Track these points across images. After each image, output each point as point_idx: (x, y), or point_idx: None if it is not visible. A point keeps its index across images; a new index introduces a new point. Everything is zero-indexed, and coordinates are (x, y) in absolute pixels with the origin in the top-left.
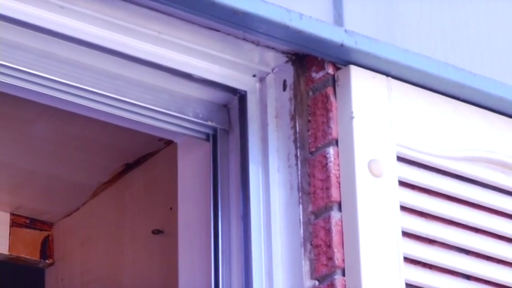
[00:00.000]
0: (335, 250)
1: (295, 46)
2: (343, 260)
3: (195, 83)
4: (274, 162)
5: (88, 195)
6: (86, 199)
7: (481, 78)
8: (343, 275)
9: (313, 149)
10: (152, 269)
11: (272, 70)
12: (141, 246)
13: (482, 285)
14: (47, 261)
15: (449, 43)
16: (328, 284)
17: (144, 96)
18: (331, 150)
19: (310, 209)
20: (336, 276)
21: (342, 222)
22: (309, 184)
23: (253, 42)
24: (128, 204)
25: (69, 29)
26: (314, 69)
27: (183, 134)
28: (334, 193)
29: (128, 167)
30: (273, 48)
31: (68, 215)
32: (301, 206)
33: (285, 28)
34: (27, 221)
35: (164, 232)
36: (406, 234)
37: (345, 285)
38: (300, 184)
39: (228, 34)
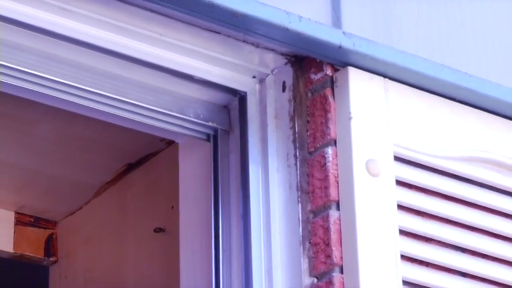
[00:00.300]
0: (333, 248)
1: (294, 48)
2: (341, 258)
3: (196, 84)
4: (273, 162)
5: (91, 194)
6: (89, 198)
7: (476, 79)
8: (341, 272)
9: (312, 149)
10: (154, 267)
11: (272, 71)
12: (143, 244)
13: (478, 282)
14: (50, 259)
15: (446, 45)
16: (326, 282)
17: (146, 97)
18: (329, 150)
19: (309, 207)
20: (334, 274)
21: (340, 220)
22: (308, 183)
23: (253, 44)
24: (130, 203)
25: (71, 30)
26: (313, 71)
27: (184, 135)
28: (333, 192)
29: (130, 167)
30: (273, 50)
31: (71, 214)
32: (300, 205)
33: (284, 30)
34: (32, 220)
35: (166, 230)
36: (403, 232)
37: (343, 282)
38: (299, 183)
39: (228, 36)
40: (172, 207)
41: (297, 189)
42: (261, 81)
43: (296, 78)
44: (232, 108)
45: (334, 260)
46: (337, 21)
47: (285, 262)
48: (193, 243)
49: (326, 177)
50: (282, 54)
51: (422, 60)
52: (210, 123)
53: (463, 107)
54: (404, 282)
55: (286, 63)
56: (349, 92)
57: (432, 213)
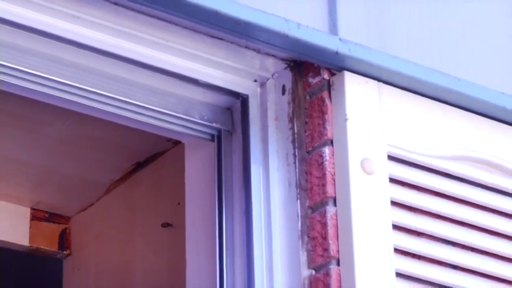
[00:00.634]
0: (330, 242)
1: (294, 53)
2: (338, 251)
3: (200, 87)
4: (274, 161)
5: (101, 191)
6: (100, 195)
7: (466, 83)
8: (338, 264)
9: (310, 149)
10: (161, 259)
11: (272, 76)
12: (151, 239)
13: (468, 274)
14: (64, 252)
15: (437, 50)
16: (324, 273)
17: (153, 100)
18: (326, 150)
19: (307, 204)
20: (331, 266)
21: (336, 216)
22: (306, 181)
23: (254, 50)
24: (138, 200)
25: (83, 37)
26: (311, 75)
27: (190, 135)
28: (330, 189)
29: (138, 166)
30: (273, 56)
31: (84, 210)
32: (299, 201)
33: (284, 37)
34: (46, 215)
35: (173, 225)
36: (396, 227)
37: (340, 274)
38: (297, 181)
39: (231, 42)
40: (179, 203)
41: (296, 187)
42: (262, 84)
43: (295, 82)
44: (234, 110)
45: (331, 253)
46: (333, 28)
47: (284, 255)
48: (199, 237)
49: (323, 175)
50: (282, 59)
51: (414, 64)
52: (214, 125)
53: (453, 109)
54: (398, 274)
55: (285, 68)
56: (345, 95)
57: (424, 209)
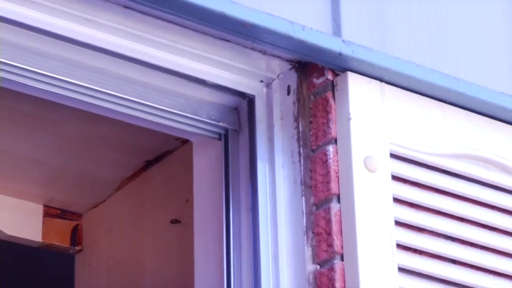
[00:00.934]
0: (334, 238)
1: (298, 55)
2: (342, 247)
3: (208, 88)
4: (279, 159)
5: (112, 189)
6: (111, 192)
7: (465, 83)
8: (342, 260)
9: (314, 147)
10: (170, 254)
11: (277, 76)
12: (160, 235)
13: (467, 268)
14: (76, 247)
15: (436, 51)
16: (328, 268)
17: (163, 100)
18: (330, 148)
19: (312, 200)
20: (335, 261)
21: (340, 212)
22: (311, 178)
23: (260, 51)
24: (148, 197)
25: (95, 39)
26: (315, 76)
27: (198, 134)
28: (334, 186)
29: (148, 164)
30: (278, 57)
31: (95, 207)
32: (304, 198)
33: (289, 39)
34: (59, 212)
35: (181, 222)
36: (398, 223)
37: (344, 269)
38: (302, 178)
39: (238, 44)
40: (187, 200)
41: (301, 184)
42: (268, 85)
43: (300, 83)
44: (241, 110)
45: (335, 248)
46: (337, 30)
47: (290, 250)
48: (207, 233)
49: (327, 173)
50: (287, 60)
51: (415, 65)
52: (221, 124)
53: (453, 108)
54: (400, 269)
55: (290, 69)
56: (349, 94)
57: (425, 205)
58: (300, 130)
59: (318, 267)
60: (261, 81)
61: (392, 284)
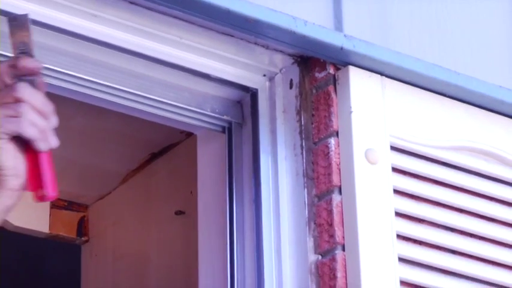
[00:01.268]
0: (336, 228)
1: (301, 49)
2: (343, 237)
3: (212, 82)
4: (282, 152)
5: (118, 181)
6: (117, 184)
7: (464, 77)
8: (343, 250)
9: (316, 140)
10: (175, 245)
11: (280, 71)
12: (165, 226)
13: (466, 258)
14: (82, 238)
15: (437, 45)
16: (330, 258)
17: (168, 94)
18: (332, 141)
19: (314, 192)
20: (337, 252)
21: (342, 204)
22: (313, 171)
23: (263, 46)
24: (153, 189)
25: (101, 34)
26: (317, 70)
27: (202, 127)
28: (335, 178)
29: (153, 156)
30: (281, 51)
31: (101, 198)
32: (306, 190)
33: (292, 33)
34: (66, 204)
35: (185, 213)
36: (398, 214)
37: (345, 259)
38: (305, 171)
39: (241, 39)
40: (191, 192)
41: (303, 176)
42: (271, 79)
43: (302, 77)
44: (245, 103)
45: (337, 239)
46: (338, 25)
47: (292, 241)
48: (210, 224)
49: (329, 165)
50: (290, 55)
51: (415, 59)
52: (225, 117)
53: (453, 102)
54: (400, 259)
55: (293, 63)
56: (350, 88)
57: (425, 197)
58: (302, 123)
59: (320, 257)
60: (264, 76)
61: (393, 273)
